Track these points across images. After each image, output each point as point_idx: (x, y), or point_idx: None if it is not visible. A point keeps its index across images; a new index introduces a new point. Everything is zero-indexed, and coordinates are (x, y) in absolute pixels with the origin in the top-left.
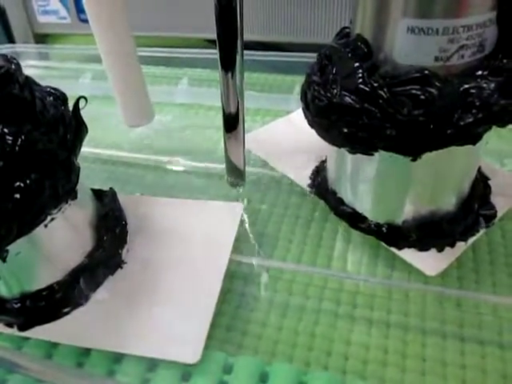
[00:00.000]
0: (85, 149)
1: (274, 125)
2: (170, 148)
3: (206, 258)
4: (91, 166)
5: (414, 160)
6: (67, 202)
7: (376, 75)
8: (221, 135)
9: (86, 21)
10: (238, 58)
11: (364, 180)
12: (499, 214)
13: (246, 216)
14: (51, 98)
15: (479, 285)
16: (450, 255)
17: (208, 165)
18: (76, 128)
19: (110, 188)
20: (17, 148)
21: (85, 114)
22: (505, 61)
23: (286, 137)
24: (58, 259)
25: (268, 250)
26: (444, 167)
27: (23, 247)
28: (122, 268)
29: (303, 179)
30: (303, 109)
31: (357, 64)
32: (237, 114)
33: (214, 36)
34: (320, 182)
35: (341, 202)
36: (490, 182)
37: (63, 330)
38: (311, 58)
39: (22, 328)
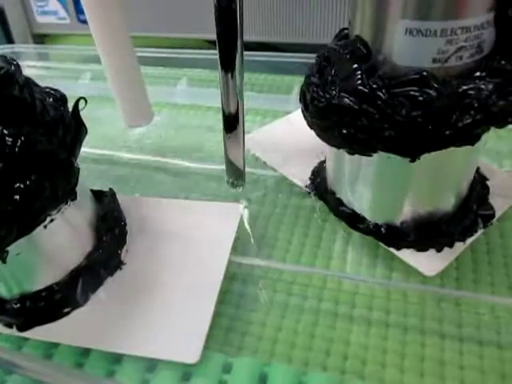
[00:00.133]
0: (84, 149)
1: (274, 125)
2: (170, 148)
3: (206, 258)
4: (91, 167)
5: (412, 161)
6: (67, 203)
7: (375, 76)
8: (220, 136)
9: (84, 21)
10: (238, 58)
11: (363, 181)
12: (497, 215)
13: (245, 217)
14: (51, 99)
15: (478, 285)
16: (448, 255)
17: (208, 165)
18: (76, 129)
19: (110, 189)
20: (16, 149)
21: (84, 114)
22: (503, 62)
23: (285, 137)
24: (57, 260)
25: (267, 250)
26: (442, 168)
27: (23, 248)
28: (121, 269)
29: (302, 180)
30: (302, 110)
31: (355, 65)
32: (237, 114)
33: (213, 37)
34: (319, 182)
35: (340, 202)
36: (488, 183)
37: (63, 331)
38: (310, 58)
39: (21, 328)
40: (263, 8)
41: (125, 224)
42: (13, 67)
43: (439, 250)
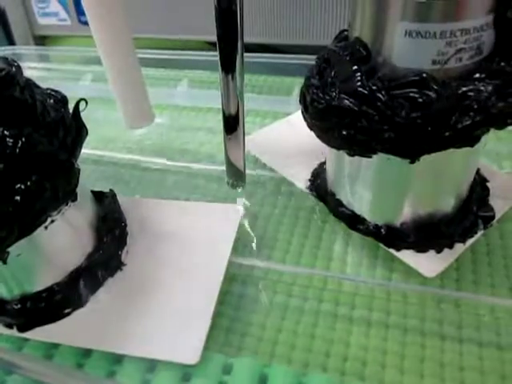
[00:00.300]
0: (85, 151)
1: (274, 126)
2: (170, 150)
3: (206, 259)
4: (91, 168)
5: (412, 162)
6: (67, 204)
7: (374, 78)
8: (221, 137)
9: (85, 23)
10: (239, 59)
11: (363, 182)
12: (498, 216)
13: (245, 217)
14: (52, 101)
15: (478, 286)
16: (448, 257)
17: (208, 166)
18: (76, 130)
19: (110, 190)
20: (17, 150)
21: (85, 115)
22: (502, 64)
23: (285, 138)
24: (58, 261)
25: (267, 251)
26: (442, 169)
27: (23, 249)
28: (121, 269)
29: (302, 181)
30: (302, 111)
31: (355, 67)
32: (237, 115)
33: (214, 38)
34: (319, 183)
35: (340, 203)
36: (488, 184)
37: (63, 331)
38: (310, 59)
39: (21, 329)
40: (264, 10)
41: (125, 225)
42: (14, 69)
43: (439, 251)
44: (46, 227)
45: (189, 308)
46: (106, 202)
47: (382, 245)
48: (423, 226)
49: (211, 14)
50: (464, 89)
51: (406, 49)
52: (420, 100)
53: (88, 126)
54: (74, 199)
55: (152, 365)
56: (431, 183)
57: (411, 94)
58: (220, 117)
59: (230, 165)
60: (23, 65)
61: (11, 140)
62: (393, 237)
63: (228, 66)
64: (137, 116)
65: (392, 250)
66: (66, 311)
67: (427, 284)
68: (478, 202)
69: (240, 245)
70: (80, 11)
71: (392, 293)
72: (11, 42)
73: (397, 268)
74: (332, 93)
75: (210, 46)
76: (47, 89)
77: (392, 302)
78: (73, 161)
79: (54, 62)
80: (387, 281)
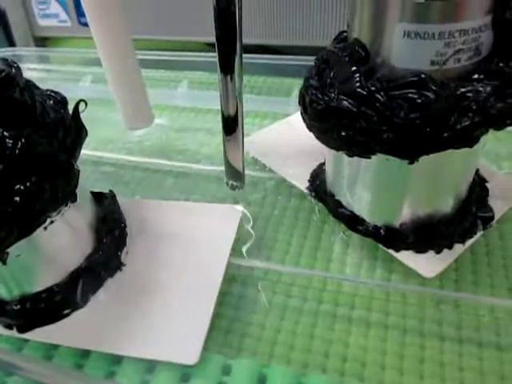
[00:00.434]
0: (84, 152)
1: (273, 127)
2: (170, 150)
3: (205, 260)
4: (91, 169)
5: (411, 163)
6: (67, 205)
7: (373, 79)
8: (220, 138)
9: (86, 24)
10: (237, 61)
11: (362, 183)
12: (497, 216)
13: (244, 218)
14: (51, 102)
15: (477, 287)
16: (447, 257)
17: (207, 167)
18: (76, 131)
19: (110, 191)
20: (17, 151)
21: (85, 116)
22: (501, 64)
23: (284, 139)
24: (57, 261)
25: (267, 252)
26: (441, 170)
27: (23, 249)
28: (121, 270)
29: (302, 182)
30: (301, 112)
31: (354, 68)
32: (236, 116)
33: (213, 39)
34: (318, 184)
35: (339, 204)
36: (487, 185)
37: (63, 332)
38: (309, 60)
39: (21, 330)
40: (263, 11)
41: (125, 226)
42: (13, 70)
43: (438, 252)
44: (45, 228)
45: (188, 308)
46: (105, 203)
47: (381, 245)
48: (422, 226)
49: (211, 15)
50: (463, 89)
51: (404, 50)
52: (419, 101)
53: (88, 127)
54: (74, 200)
55: (151, 365)
56: (430, 184)
57: (410, 95)
58: (219, 118)
59: (228, 166)
60: (23, 66)
61: (11, 141)
62: (392, 237)
63: (227, 67)
64: (136, 117)
65: (391, 251)
66: (66, 312)
67: (426, 285)
68: (478, 203)
69: (239, 245)
70: (80, 13)
71: (391, 293)
72: (11, 43)
73: (396, 269)
74: (331, 94)
75: (210, 47)
76: (47, 90)
77: (391, 303)
78: (72, 162)
79: (54, 63)
80: (386, 281)
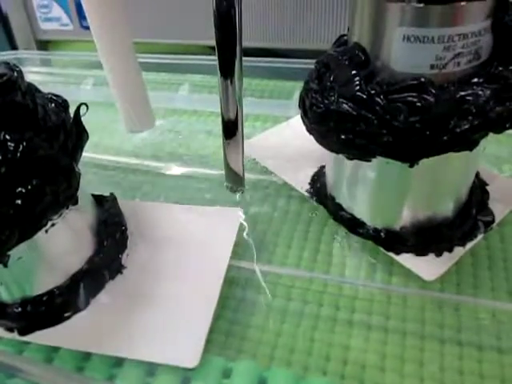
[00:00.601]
0: (85, 154)
1: (274, 130)
2: (171, 154)
3: (206, 262)
4: (92, 172)
5: (411, 166)
6: (68, 208)
7: (373, 83)
8: (221, 141)
9: (87, 28)
10: (237, 64)
11: (362, 185)
12: (497, 219)
13: (245, 221)
14: (53, 105)
15: (478, 290)
16: (448, 260)
17: (208, 171)
18: (77, 134)
19: (111, 193)
20: (18, 154)
21: (86, 120)
22: (500, 68)
23: (285, 142)
24: (58, 264)
25: (267, 255)
26: (441, 173)
27: (24, 252)
28: (121, 273)
29: (302, 184)
30: (301, 116)
31: (354, 72)
32: (236, 120)
33: (214, 43)
34: (319, 187)
35: (339, 207)
36: (488, 188)
37: (63, 335)
38: (310, 64)
39: (22, 332)
40: (262, 14)
41: (125, 228)
42: (15, 74)
43: (439, 255)
44: (46, 231)
45: (189, 311)
46: (106, 206)
47: (381, 248)
48: (423, 229)
49: (212, 18)
50: (462, 93)
51: (404, 53)
52: (418, 104)
53: (89, 130)
54: (75, 203)
55: (152, 368)
56: (430, 187)
57: (410, 99)
58: (220, 121)
59: (229, 169)
60: (25, 69)
61: (12, 144)
62: (392, 240)
63: (227, 70)
64: (138, 120)
65: (392, 254)
66: (67, 315)
67: (427, 288)
68: (478, 206)
69: (240, 248)
70: (82, 16)
71: (392, 296)
72: (13, 47)
73: (396, 272)
74: (331, 97)
75: (211, 50)
76: (48, 93)
77: (392, 306)
78: (73, 165)
79: (56, 67)
80: (387, 284)
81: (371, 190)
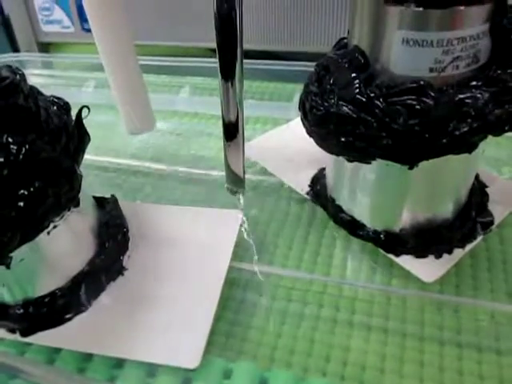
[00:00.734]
0: (87, 157)
1: (274, 133)
2: (171, 156)
3: (206, 264)
4: (93, 174)
5: (410, 168)
6: (70, 210)
7: (372, 85)
8: (221, 143)
9: (89, 30)
10: (238, 67)
11: (362, 188)
12: (497, 221)
13: (245, 223)
14: (55, 108)
15: (477, 291)
16: (447, 262)
17: (208, 172)
18: (79, 137)
19: (112, 195)
20: (21, 157)
21: (87, 122)
22: (499, 71)
23: (285, 144)
24: (60, 266)
25: (267, 256)
26: (441, 175)
27: (26, 254)
28: (123, 274)
29: (302, 187)
30: (301, 118)
31: (354, 74)
32: (236, 122)
33: (215, 45)
34: (319, 189)
35: (339, 209)
36: (487, 190)
37: (65, 336)
38: (310, 66)
39: (24, 334)
40: (263, 16)
41: (127, 230)
42: (18, 77)
43: (438, 257)
44: (48, 233)
45: (189, 312)
46: (107, 208)
47: (381, 250)
48: (422, 231)
49: (212, 20)
50: (461, 96)
51: (403, 57)
52: (418, 107)
53: (90, 133)
54: (77, 205)
55: (153, 369)
56: (430, 189)
57: (409, 101)
58: (221, 123)
59: (229, 171)
60: (27, 72)
61: (15, 147)
62: (392, 242)
63: (227, 73)
64: (138, 122)
65: (391, 256)
66: (68, 316)
67: (426, 289)
68: (477, 208)
69: (240, 250)
70: (83, 19)
71: (391, 298)
72: (15, 49)
73: (396, 273)
74: (331, 100)
75: (212, 52)
76: (50, 96)
77: (391, 307)
78: (75, 167)
79: (58, 69)
80: (387, 286)
81: (371, 192)
